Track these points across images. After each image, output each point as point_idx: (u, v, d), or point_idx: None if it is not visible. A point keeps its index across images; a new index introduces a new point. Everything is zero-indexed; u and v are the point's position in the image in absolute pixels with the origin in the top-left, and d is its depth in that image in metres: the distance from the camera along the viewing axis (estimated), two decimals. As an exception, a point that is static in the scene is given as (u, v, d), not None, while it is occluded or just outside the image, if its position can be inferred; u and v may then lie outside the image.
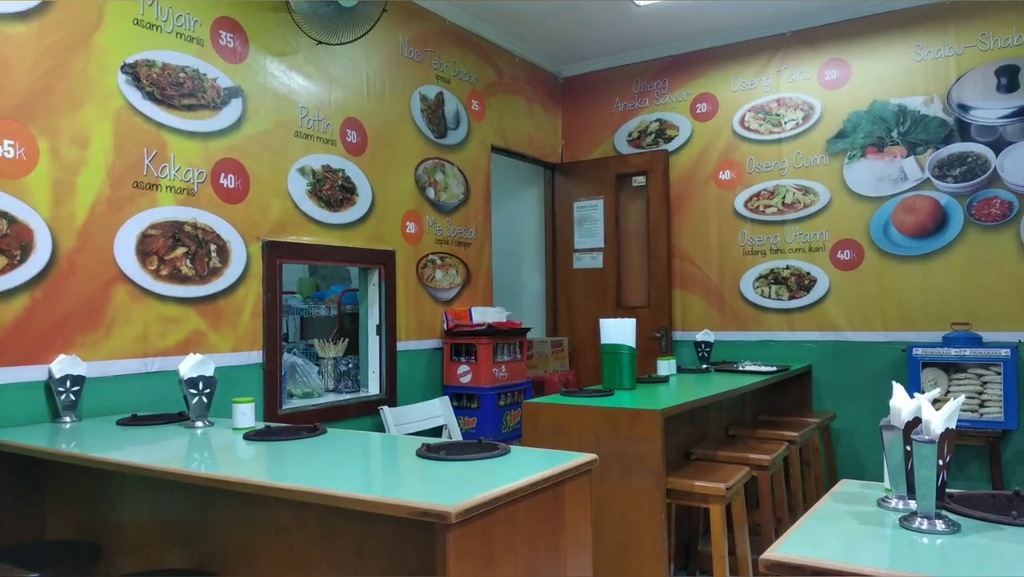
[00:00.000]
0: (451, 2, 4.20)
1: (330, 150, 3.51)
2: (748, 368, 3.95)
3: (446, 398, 3.91)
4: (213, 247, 2.95)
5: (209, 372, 2.36)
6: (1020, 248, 3.91)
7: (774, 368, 3.92)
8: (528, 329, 4.33)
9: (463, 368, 3.98)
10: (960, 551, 1.21)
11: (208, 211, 2.94)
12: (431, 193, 4.12)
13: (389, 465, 1.98)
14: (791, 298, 4.53)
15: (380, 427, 3.53)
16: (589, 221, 5.16)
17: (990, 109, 4.01)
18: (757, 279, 4.64)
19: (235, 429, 2.29)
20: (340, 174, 3.56)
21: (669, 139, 4.97)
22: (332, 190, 3.50)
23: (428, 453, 1.91)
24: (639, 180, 5.03)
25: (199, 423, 2.35)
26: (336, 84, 3.57)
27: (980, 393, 3.80)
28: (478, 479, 1.67)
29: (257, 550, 1.92)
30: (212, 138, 2.97)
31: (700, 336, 4.14)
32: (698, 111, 4.87)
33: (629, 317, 3.24)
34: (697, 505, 2.72)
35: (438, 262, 4.15)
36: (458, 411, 3.94)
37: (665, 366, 3.73)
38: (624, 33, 4.71)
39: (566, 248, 5.26)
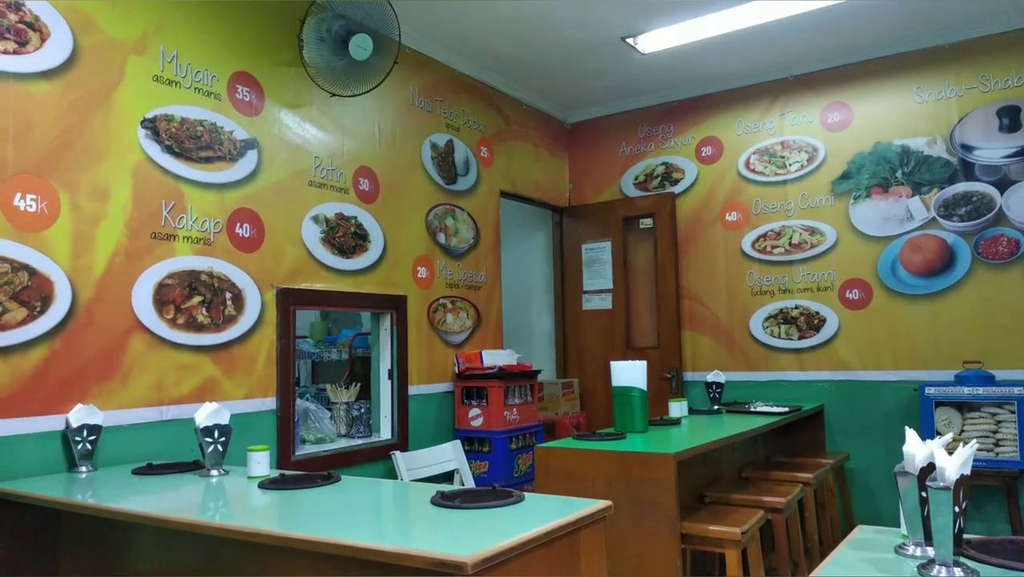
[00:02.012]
0: (460, 53, 4.31)
1: (343, 198, 3.58)
2: (760, 409, 3.94)
3: (458, 442, 3.91)
4: (228, 295, 3.00)
5: (225, 420, 2.38)
6: (1029, 286, 3.91)
7: (786, 408, 3.91)
8: (539, 371, 4.33)
9: (474, 411, 3.98)
10: (979, 599, 1.20)
11: (224, 260, 2.99)
12: (442, 238, 4.17)
13: (404, 513, 1.99)
14: (801, 338, 4.53)
15: (392, 472, 3.53)
16: (597, 263, 5.20)
17: (993, 149, 4.05)
18: (766, 319, 4.65)
19: (250, 478, 2.30)
20: (353, 221, 3.61)
21: (675, 182, 5.03)
22: (345, 237, 3.56)
23: (443, 501, 1.91)
24: (646, 222, 5.08)
25: (214, 472, 2.36)
26: (349, 134, 3.65)
27: (995, 432, 3.77)
28: (493, 528, 1.68)
29: (273, 601, 1.92)
30: (228, 189, 3.04)
31: (711, 377, 4.14)
32: (703, 154, 4.94)
33: (639, 358, 3.25)
34: (712, 550, 2.69)
35: (449, 306, 4.18)
36: (470, 455, 3.93)
37: (677, 408, 3.73)
38: (629, 80, 4.81)
39: (575, 290, 5.29)
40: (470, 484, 3.72)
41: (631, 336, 5.09)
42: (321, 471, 2.37)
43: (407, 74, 4.00)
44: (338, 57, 3.26)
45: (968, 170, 4.11)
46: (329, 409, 3.69)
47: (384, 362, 3.82)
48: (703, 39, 4.14)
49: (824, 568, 1.38)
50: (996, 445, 3.75)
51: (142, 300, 2.70)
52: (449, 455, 3.81)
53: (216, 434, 2.37)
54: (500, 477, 3.81)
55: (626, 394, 3.16)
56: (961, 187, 4.12)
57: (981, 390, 3.80)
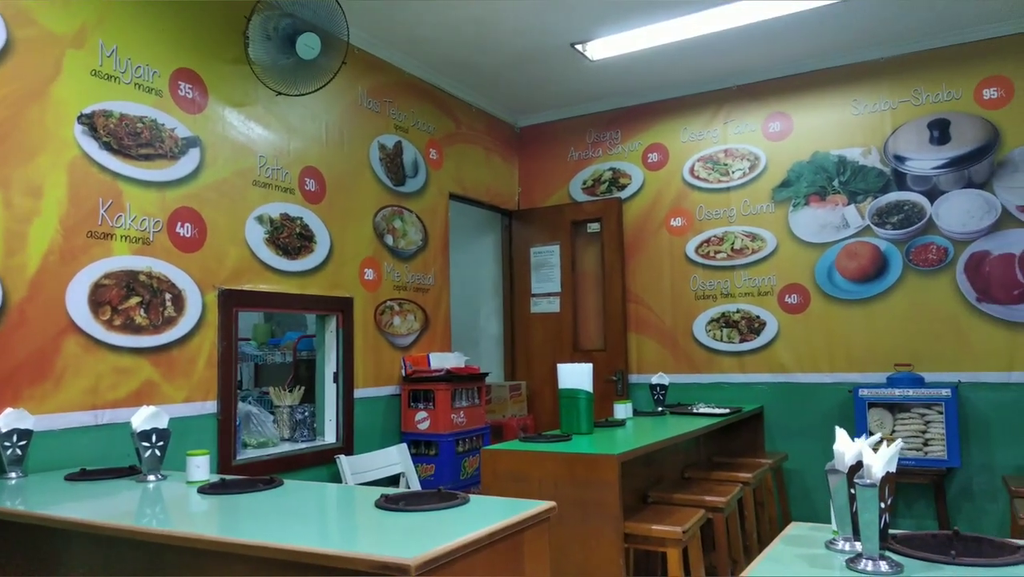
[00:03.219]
0: (410, 55, 4.30)
1: (288, 198, 3.53)
2: (702, 410, 4.03)
3: (404, 445, 3.89)
4: (168, 296, 2.93)
5: (163, 424, 2.33)
6: (956, 292, 4.09)
7: (727, 410, 4.00)
8: (486, 374, 4.34)
9: (421, 414, 3.97)
10: (902, 591, 1.26)
11: (163, 260, 2.92)
12: (389, 240, 4.15)
13: (348, 517, 1.97)
14: (742, 341, 4.65)
15: (337, 476, 3.49)
16: (546, 266, 5.25)
17: (924, 160, 4.23)
18: (709, 323, 4.75)
19: (189, 483, 2.26)
20: (298, 222, 3.57)
21: (622, 187, 5.10)
22: (290, 238, 3.51)
23: (387, 504, 1.91)
24: (594, 226, 5.15)
25: (151, 477, 2.31)
26: (295, 134, 3.60)
27: (924, 432, 3.93)
28: (438, 530, 1.68)
29: (212, 608, 1.88)
30: (169, 187, 2.97)
31: (655, 379, 4.21)
32: (649, 160, 5.03)
33: (586, 361, 3.29)
34: (655, 549, 2.74)
35: (396, 308, 4.16)
36: (416, 458, 3.91)
37: (622, 409, 3.78)
38: (578, 86, 4.86)
39: (523, 293, 5.32)
40: (416, 487, 3.71)
41: (578, 339, 5.15)
42: (263, 475, 2.34)
43: (356, 75, 3.97)
44: (285, 56, 3.22)
45: (900, 180, 4.28)
46: (272, 413, 3.64)
47: (329, 365, 3.78)
48: (650, 47, 4.22)
49: (758, 564, 1.43)
50: (925, 445, 3.91)
51: (77, 301, 2.61)
52: (395, 458, 3.79)
53: (154, 438, 2.31)
54: (447, 480, 3.81)
55: (572, 396, 3.19)
56: (894, 196, 4.29)
57: (911, 392, 3.95)
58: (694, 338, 4.79)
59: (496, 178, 5.23)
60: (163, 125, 2.97)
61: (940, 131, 4.19)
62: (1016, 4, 3.83)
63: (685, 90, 4.90)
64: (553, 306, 5.20)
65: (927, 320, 4.16)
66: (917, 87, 4.27)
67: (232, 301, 3.19)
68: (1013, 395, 3.93)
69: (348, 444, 3.71)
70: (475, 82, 4.77)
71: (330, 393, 3.76)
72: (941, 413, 3.89)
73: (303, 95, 3.40)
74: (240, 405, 3.37)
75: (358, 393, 3.82)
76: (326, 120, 3.80)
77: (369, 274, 3.98)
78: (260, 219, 3.37)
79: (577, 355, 4.98)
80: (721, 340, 4.71)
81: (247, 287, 3.27)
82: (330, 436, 3.72)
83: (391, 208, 4.19)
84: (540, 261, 5.27)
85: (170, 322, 2.93)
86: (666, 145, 4.98)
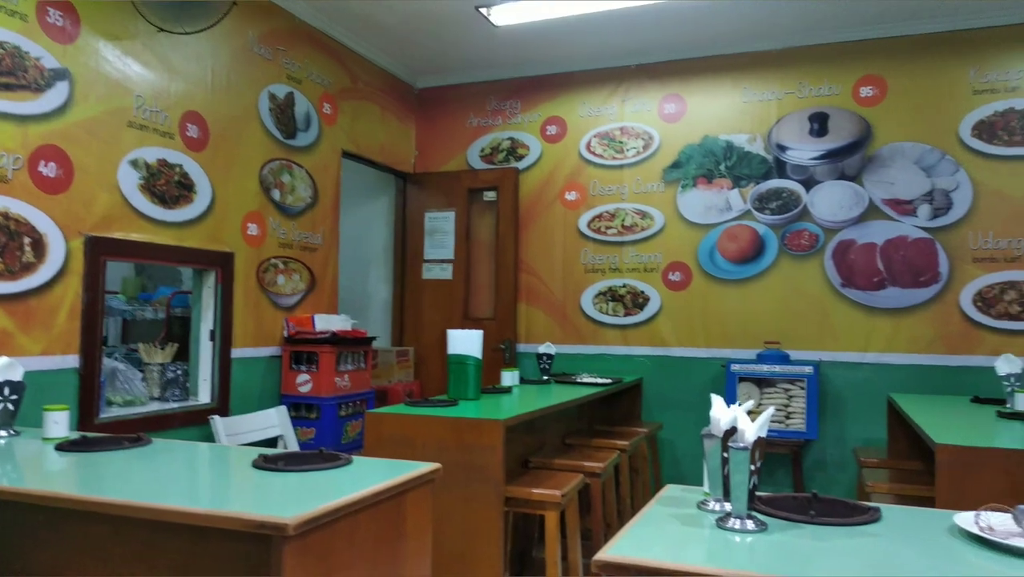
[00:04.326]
0: (307, 1, 4.09)
1: (167, 143, 3.31)
2: (585, 380, 4.13)
3: (283, 408, 3.77)
4: (27, 240, 2.68)
5: (17, 376, 2.14)
6: (823, 276, 4.37)
7: (609, 380, 4.12)
8: (374, 338, 4.27)
9: (303, 377, 3.86)
10: (767, 548, 1.34)
11: (23, 200, 2.67)
12: (276, 195, 3.98)
13: (222, 477, 1.89)
14: (626, 315, 4.79)
15: (210, 438, 3.35)
16: (440, 232, 5.19)
17: (803, 150, 4.46)
18: (596, 296, 4.87)
19: (45, 439, 2.10)
20: (177, 169, 3.35)
21: (520, 157, 5.11)
22: (167, 186, 3.30)
23: (265, 464, 1.84)
24: (490, 195, 5.14)
25: (3, 432, 2.12)
26: (177, 75, 3.36)
27: (787, 406, 4.20)
28: (318, 490, 1.64)
29: (71, 569, 1.76)
30: (32, 122, 2.71)
31: (542, 348, 4.28)
32: (548, 133, 5.05)
33: (476, 329, 3.29)
34: (534, 512, 2.80)
35: (281, 266, 4.01)
36: (296, 421, 3.81)
37: (509, 377, 3.82)
38: (480, 51, 4.80)
39: (415, 258, 5.25)
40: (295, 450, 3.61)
41: (469, 307, 5.14)
42: (129, 434, 2.20)
43: (247, 18, 3.75)
44: (169, -12, 2.99)
45: (781, 168, 4.51)
46: (141, 370, 3.43)
47: (206, 322, 3.60)
48: (555, 18, 4.21)
49: (635, 523, 1.48)
50: (787, 417, 4.18)
51: (-84, 238, 2.35)
52: (273, 421, 3.67)
53: (6, 391, 2.13)
54: (327, 444, 3.73)
55: (461, 362, 3.19)
56: (774, 183, 4.51)
57: (778, 368, 4.21)
58: (582, 310, 4.89)
59: (392, 138, 5.11)
60: (27, 53, 2.70)
61: (820, 124, 4.43)
62: (893, 9, 4.08)
63: (586, 65, 4.94)
64: (445, 273, 5.16)
65: (796, 302, 4.42)
66: (802, 80, 4.49)
67: (100, 249, 2.96)
68: (866, 374, 4.26)
69: (223, 405, 3.56)
70: (375, 37, 4.62)
71: (205, 352, 3.58)
72: (803, 389, 4.17)
73: (188, 34, 3.19)
74: (105, 361, 3.15)
75: (236, 353, 3.67)
76: (212, 63, 3.57)
77: (253, 229, 3.80)
78: (135, 163, 3.14)
79: (467, 323, 4.98)
80: (607, 313, 4.83)
81: (118, 235, 3.05)
82: (204, 396, 3.55)
83: (279, 161, 4.01)
84: (434, 227, 5.21)
85: (28, 268, 2.69)
86: (565, 119, 5.02)
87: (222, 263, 3.60)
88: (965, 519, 1.44)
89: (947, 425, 2.71)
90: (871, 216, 4.31)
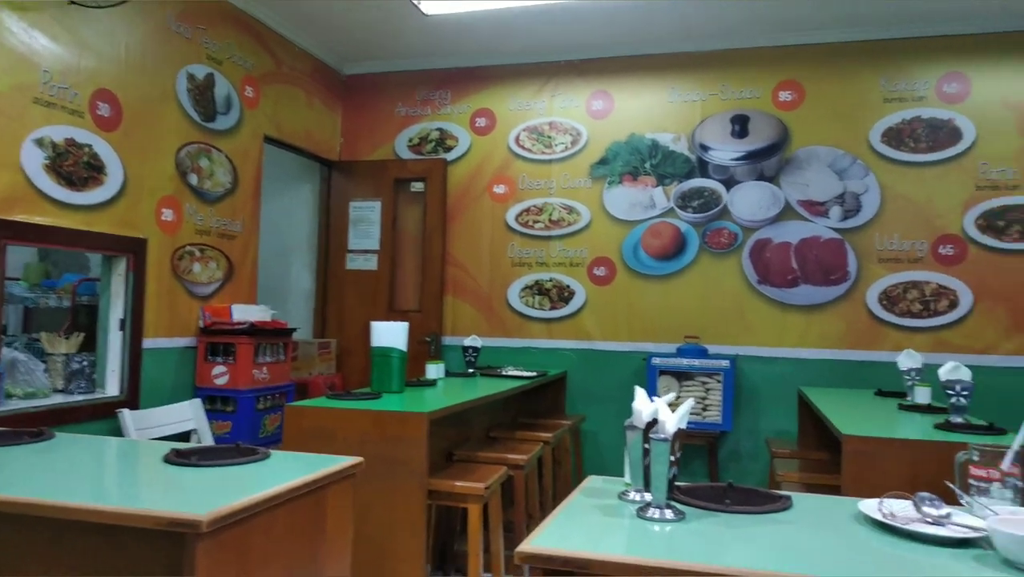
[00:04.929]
0: (228, -21, 3.95)
1: (76, 122, 3.13)
2: (511, 373, 4.15)
3: (197, 401, 3.64)
4: (-86, 219, 2.50)
5: (-99, 367, 1.99)
6: (741, 274, 4.51)
7: (534, 373, 4.15)
8: (294, 329, 4.17)
9: (219, 369, 3.73)
10: (685, 536, 1.37)
11: (-91, 176, 2.48)
12: (193, 179, 3.83)
13: (131, 473, 1.81)
14: (552, 308, 4.83)
15: (118, 432, 3.20)
16: (365, 222, 5.11)
17: (725, 151, 4.59)
18: (523, 289, 4.89)
19: (-67, 434, 1.96)
20: (87, 150, 3.18)
21: (449, 149, 5.07)
22: (76, 166, 3.12)
23: (178, 459, 1.77)
24: (417, 186, 5.08)
25: None
26: (88, 51, 3.19)
27: (704, 399, 4.32)
28: (234, 485, 1.59)
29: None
30: (-80, 91, 2.52)
31: (468, 341, 4.26)
32: (477, 125, 5.03)
33: (401, 321, 3.25)
34: (457, 505, 2.79)
35: (197, 254, 3.86)
36: (211, 414, 3.68)
37: (434, 370, 3.79)
38: (410, 39, 4.74)
39: (339, 248, 5.15)
40: (210, 444, 3.50)
41: (394, 298, 5.08)
42: (30, 428, 2.08)
43: (164, -8, 3.59)
44: (78, -43, 2.83)
45: (703, 168, 4.62)
46: (44, 361, 3.25)
47: (115, 311, 3.43)
48: (485, 10, 4.20)
49: (557, 515, 1.49)
50: (704, 410, 4.31)
51: None
52: (187, 414, 3.54)
53: None
54: (244, 438, 3.62)
55: (385, 354, 3.15)
56: (696, 182, 4.63)
57: (696, 362, 4.33)
58: (508, 303, 4.91)
59: (317, 125, 4.99)
60: (-85, 16, 2.50)
61: (741, 125, 4.57)
62: (811, 16, 4.23)
63: (516, 58, 4.94)
64: (370, 264, 5.08)
65: (715, 298, 4.55)
66: (724, 83, 4.61)
67: (0, 233, 2.78)
68: (779, 368, 4.43)
69: (133, 398, 3.41)
70: (301, 20, 4.49)
71: (115, 342, 3.42)
72: (720, 382, 4.30)
73: (101, 8, 3.02)
74: (4, 351, 2.97)
75: (148, 343, 3.51)
76: (127, 40, 3.40)
77: (168, 215, 3.65)
78: (40, 142, 2.96)
79: (392, 315, 4.92)
80: (533, 307, 4.86)
81: (20, 218, 2.87)
82: (112, 388, 3.39)
83: (198, 145, 3.86)
84: (359, 216, 5.12)
85: (-85, 250, 2.50)
86: (494, 111, 5.01)
87: (134, 249, 3.44)
88: (869, 506, 1.51)
89: (853, 417, 2.85)
90: (787, 216, 4.47)
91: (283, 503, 1.58)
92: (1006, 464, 1.50)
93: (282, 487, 1.57)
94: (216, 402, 3.74)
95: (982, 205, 4.21)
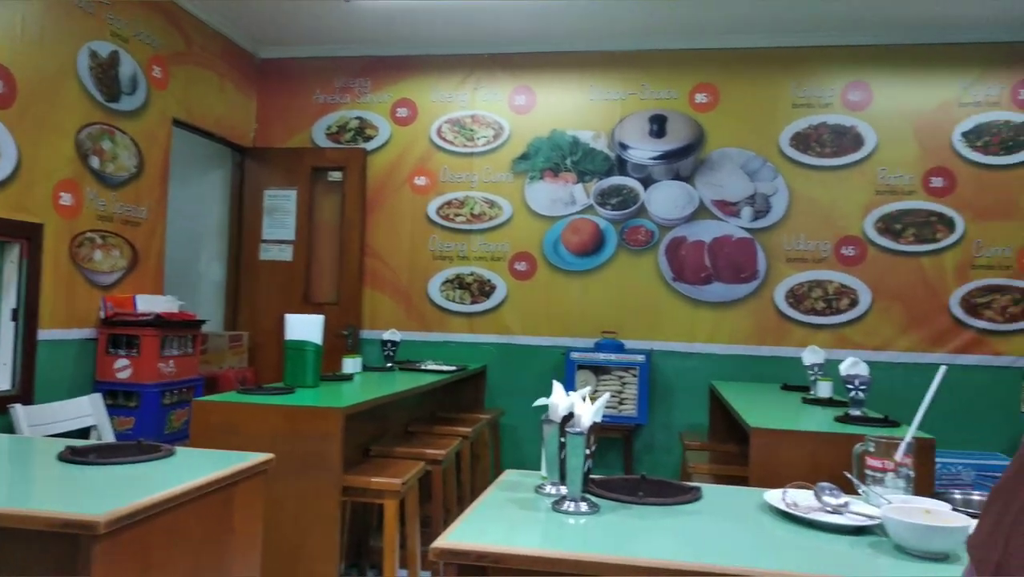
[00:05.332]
0: (135, -48, 3.76)
1: (-38, 95, 2.91)
2: (430, 367, 4.11)
3: (98, 396, 3.46)
4: None
5: None
6: (657, 271, 4.62)
7: (453, 368, 4.13)
8: (203, 321, 4.02)
9: (122, 362, 3.56)
10: (600, 528, 1.39)
11: None
12: (95, 162, 3.63)
13: (22, 472, 1.70)
14: (473, 303, 4.82)
15: (10, 429, 3.01)
16: (280, 212, 4.96)
17: (643, 150, 4.68)
18: (444, 283, 4.86)
19: None
20: (-26, 126, 2.97)
21: (368, 138, 4.99)
22: (-39, 144, 2.91)
23: (74, 457, 1.68)
24: (336, 175, 4.97)
25: None
26: (-24, 18, 2.97)
27: (620, 392, 4.41)
28: (135, 484, 1.51)
29: None
30: None
31: (387, 335, 4.20)
32: (398, 115, 4.96)
33: (317, 313, 3.17)
34: (372, 501, 2.75)
35: (99, 241, 3.66)
36: (112, 410, 3.51)
37: (351, 364, 3.72)
38: (329, 24, 4.62)
39: (253, 238, 4.98)
40: (111, 441, 3.33)
41: (310, 290, 4.96)
42: (-95, 425, 1.93)
43: (64, -38, 3.38)
44: (-34, -82, 2.63)
45: (622, 166, 4.70)
46: (-75, 352, 3.02)
47: (7, 300, 3.22)
48: (407, -1, 4.14)
49: (473, 510, 1.48)
50: (620, 403, 4.39)
51: None
52: (86, 409, 3.36)
53: None
54: (149, 434, 3.46)
55: (299, 348, 3.06)
56: (615, 180, 4.70)
57: (613, 356, 4.41)
58: (428, 297, 4.87)
59: (230, 110, 4.81)
60: None
61: (659, 125, 4.67)
62: (728, 21, 4.36)
63: (439, 49, 4.90)
64: (285, 254, 4.95)
65: (632, 294, 4.65)
66: (644, 82, 4.70)
67: None
68: (692, 363, 4.56)
69: (27, 392, 3.21)
70: (214, 0, 4.31)
71: (6, 333, 3.21)
72: (635, 376, 4.39)
73: (-10, -27, 2.81)
74: None
75: (43, 335, 3.31)
76: (23, 12, 3.18)
77: (66, 199, 3.44)
78: (-81, 116, 2.75)
79: (308, 307, 4.80)
80: (454, 301, 4.84)
81: None
82: (3, 383, 3.18)
83: (100, 126, 3.66)
84: (274, 205, 4.97)
85: None
86: (416, 102, 4.95)
87: (28, 235, 3.23)
88: (773, 496, 1.57)
89: (760, 410, 2.96)
90: (701, 215, 4.60)
91: (187, 502, 1.51)
92: (899, 455, 1.58)
93: (186, 485, 1.51)
94: (118, 397, 3.56)
95: (881, 209, 4.44)
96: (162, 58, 4.11)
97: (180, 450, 1.83)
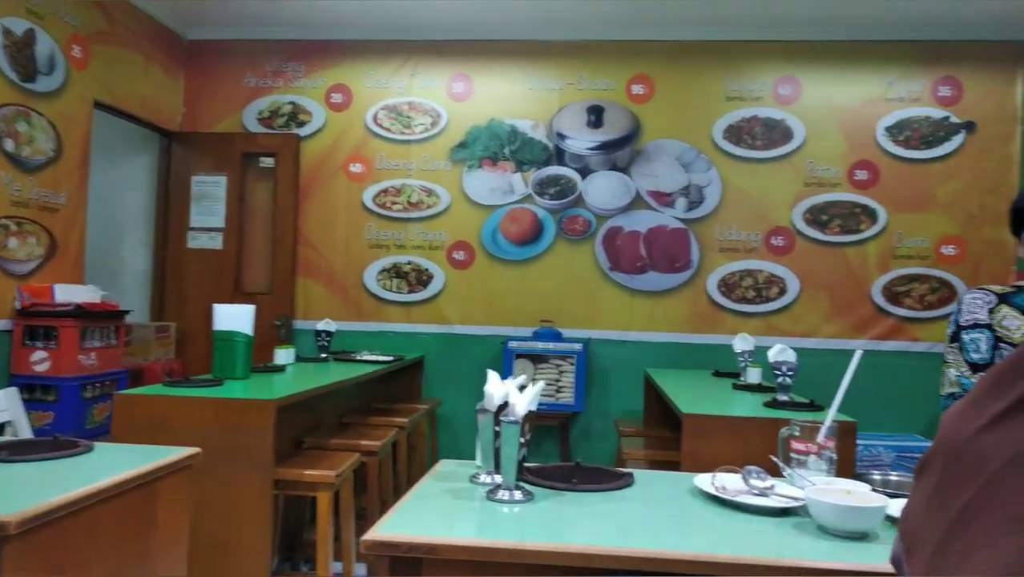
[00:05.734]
0: (51, -77, 3.57)
1: None
2: (366, 357, 4.06)
3: (13, 390, 3.28)
4: None
5: None
6: (594, 260, 4.66)
7: (390, 358, 4.09)
8: (127, 312, 3.87)
9: (40, 354, 3.40)
10: (533, 516, 1.39)
11: None
12: (9, 145, 3.44)
13: (-78, 472, 1.60)
14: (410, 292, 4.78)
15: (-85, 426, 2.84)
16: (209, 198, 4.81)
17: (581, 140, 4.71)
18: (380, 272, 4.80)
19: None
20: None
21: (302, 124, 4.87)
22: None
23: (-19, 454, 1.59)
24: (268, 161, 4.84)
25: None
26: None
27: (558, 381, 4.44)
28: (50, 482, 1.44)
29: None
30: None
31: (321, 325, 4.12)
32: (333, 100, 4.86)
33: (249, 303, 3.09)
34: (306, 494, 2.70)
35: (13, 228, 3.48)
36: (29, 405, 3.34)
37: (283, 355, 3.64)
38: (260, 5, 4.48)
39: (180, 226, 4.82)
40: (27, 437, 3.18)
41: (241, 280, 4.83)
42: None
43: (-29, -69, 3.18)
44: None
45: (560, 156, 4.72)
46: None
47: (-88, 289, 3.04)
48: (342, -19, 4.05)
49: (407, 499, 1.47)
50: (557, 392, 4.42)
51: None
52: (0, 405, 3.19)
53: None
54: (68, 429, 3.32)
55: (229, 339, 2.97)
56: (553, 170, 4.72)
57: (551, 345, 4.43)
58: (364, 286, 4.80)
59: (156, 92, 4.62)
60: None
61: (596, 116, 4.70)
62: (663, 14, 4.41)
63: (375, 34, 4.81)
64: (215, 243, 4.80)
65: (569, 283, 4.68)
66: (581, 72, 4.72)
67: None
68: (628, 352, 4.62)
69: (-66, 387, 3.03)
70: (137, -23, 4.14)
71: (-90, 325, 3.03)
72: (573, 365, 4.43)
73: None
74: None
75: (-47, 326, 3.14)
76: (-77, -20, 2.99)
77: (-23, 183, 3.26)
78: None
79: (239, 297, 4.67)
80: (391, 290, 4.78)
81: None
82: (-93, 377, 3.00)
83: (15, 108, 3.47)
84: (202, 192, 4.81)
85: None
86: (351, 87, 4.85)
87: (-67, 220, 3.05)
88: (703, 480, 1.60)
89: (692, 397, 3.02)
90: (637, 206, 4.66)
91: (106, 500, 1.45)
92: (821, 437, 1.63)
93: (105, 482, 1.45)
94: (36, 391, 3.40)
95: (809, 200, 4.58)
96: (82, 37, 3.92)
97: (100, 446, 1.75)
